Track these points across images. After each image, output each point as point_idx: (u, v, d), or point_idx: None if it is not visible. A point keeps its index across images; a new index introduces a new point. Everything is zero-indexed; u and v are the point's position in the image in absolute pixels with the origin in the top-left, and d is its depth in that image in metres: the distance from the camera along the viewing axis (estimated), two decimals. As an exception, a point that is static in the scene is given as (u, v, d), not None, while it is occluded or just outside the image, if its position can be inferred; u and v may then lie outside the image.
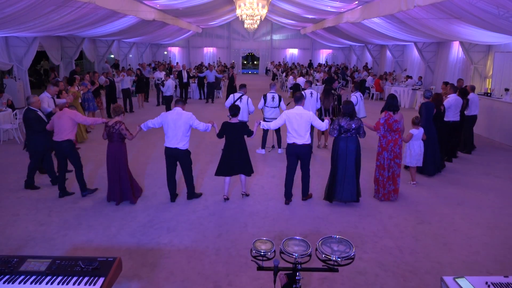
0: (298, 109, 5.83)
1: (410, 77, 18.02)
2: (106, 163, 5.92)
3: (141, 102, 15.50)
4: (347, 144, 5.81)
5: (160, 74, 15.60)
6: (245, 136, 5.93)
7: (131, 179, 6.03)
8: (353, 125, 5.78)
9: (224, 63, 30.34)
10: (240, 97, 8.49)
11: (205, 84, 17.49)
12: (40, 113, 6.51)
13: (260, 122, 6.05)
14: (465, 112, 8.78)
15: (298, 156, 5.89)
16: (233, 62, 32.37)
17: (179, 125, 5.72)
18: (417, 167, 7.17)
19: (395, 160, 6.20)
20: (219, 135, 5.96)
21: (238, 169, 5.99)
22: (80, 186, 6.24)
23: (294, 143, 5.81)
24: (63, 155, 6.13)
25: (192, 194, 6.19)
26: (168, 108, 12.45)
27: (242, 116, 8.45)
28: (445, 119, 8.09)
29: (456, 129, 8.40)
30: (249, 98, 8.57)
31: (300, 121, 5.72)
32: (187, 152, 5.91)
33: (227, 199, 6.17)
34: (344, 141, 5.82)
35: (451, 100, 8.20)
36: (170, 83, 12.91)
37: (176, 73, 17.22)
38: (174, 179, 6.08)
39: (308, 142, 5.85)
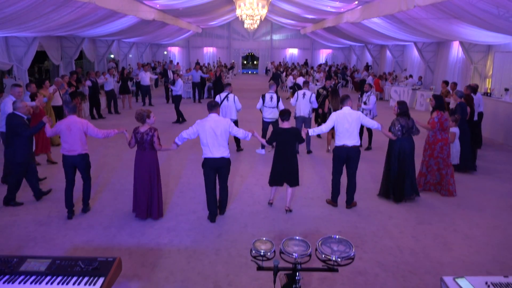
0: (346, 109, 5.73)
1: (411, 76, 18.03)
2: (135, 173, 5.36)
3: (125, 103, 14.82)
4: (410, 144, 6.04)
5: (145, 75, 15.10)
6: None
7: (160, 191, 5.50)
8: (411, 124, 5.97)
9: (225, 63, 30.35)
10: (226, 96, 8.47)
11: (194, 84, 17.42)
12: (26, 119, 5.89)
13: (308, 131, 5.79)
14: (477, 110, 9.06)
15: (347, 158, 5.73)
16: (233, 62, 32.37)
17: (220, 133, 5.17)
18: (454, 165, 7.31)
19: (447, 160, 6.40)
20: (270, 142, 5.65)
21: (287, 179, 5.67)
22: (86, 201, 5.70)
23: (344, 145, 5.66)
24: (73, 168, 5.46)
25: (225, 207, 5.73)
26: (177, 108, 12.42)
27: (231, 114, 8.42)
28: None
29: (474, 128, 8.60)
30: (235, 96, 8.53)
31: (350, 121, 5.62)
32: (229, 161, 5.42)
33: (271, 203, 5.99)
34: (407, 141, 6.02)
35: (475, 100, 8.42)
36: (181, 82, 12.88)
37: (159, 72, 16.85)
38: (216, 196, 5.50)
39: (358, 143, 5.75)
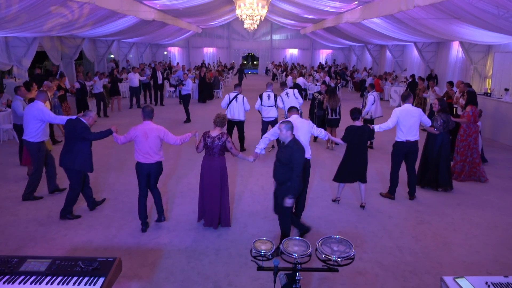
0: (407, 106, 6.02)
1: (414, 77, 17.86)
2: (203, 180, 5.09)
3: (116, 105, 14.44)
4: (448, 137, 6.55)
5: (134, 76, 14.77)
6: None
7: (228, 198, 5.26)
8: (448, 118, 6.39)
9: (225, 64, 30.34)
10: (235, 96, 8.46)
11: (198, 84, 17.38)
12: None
13: (379, 126, 5.95)
14: None
15: (408, 153, 6.07)
16: (233, 62, 32.37)
17: (305, 133, 5.27)
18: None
19: (478, 149, 7.19)
20: (345, 140, 5.73)
21: (358, 176, 5.79)
22: (161, 210, 5.37)
23: (407, 140, 5.98)
24: (148, 175, 5.08)
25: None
26: (186, 107, 12.41)
27: (239, 115, 8.41)
28: None
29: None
30: (244, 97, 8.54)
31: (414, 117, 5.98)
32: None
33: (337, 201, 6.12)
34: (446, 135, 6.48)
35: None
36: (190, 82, 12.92)
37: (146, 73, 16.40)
38: None
39: (418, 138, 6.07)
